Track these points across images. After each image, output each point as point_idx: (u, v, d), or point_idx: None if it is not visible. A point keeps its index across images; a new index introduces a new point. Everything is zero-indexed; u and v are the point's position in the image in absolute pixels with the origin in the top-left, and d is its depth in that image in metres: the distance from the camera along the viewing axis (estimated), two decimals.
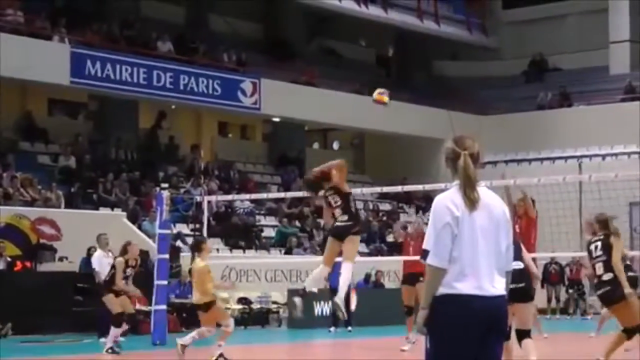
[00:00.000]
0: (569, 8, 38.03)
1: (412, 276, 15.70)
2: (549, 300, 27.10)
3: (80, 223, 20.62)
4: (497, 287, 4.97)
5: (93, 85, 25.39)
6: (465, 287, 4.89)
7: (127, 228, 21.70)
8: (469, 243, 4.93)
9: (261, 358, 16.51)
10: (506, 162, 31.20)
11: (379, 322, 21.22)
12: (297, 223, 27.73)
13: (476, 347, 4.90)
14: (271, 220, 27.85)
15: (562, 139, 31.99)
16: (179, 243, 22.73)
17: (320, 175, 11.22)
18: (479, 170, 5.05)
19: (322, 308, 22.46)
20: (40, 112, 28.01)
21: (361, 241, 12.83)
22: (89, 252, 18.72)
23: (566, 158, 31.39)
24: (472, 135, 5.22)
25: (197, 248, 13.22)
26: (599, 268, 11.03)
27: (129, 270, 14.94)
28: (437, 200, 5.02)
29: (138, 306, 17.29)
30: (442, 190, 5.16)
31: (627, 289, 10.90)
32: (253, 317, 22.63)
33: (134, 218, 23.17)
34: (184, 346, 12.82)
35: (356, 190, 15.09)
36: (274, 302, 23.44)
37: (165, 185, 18.73)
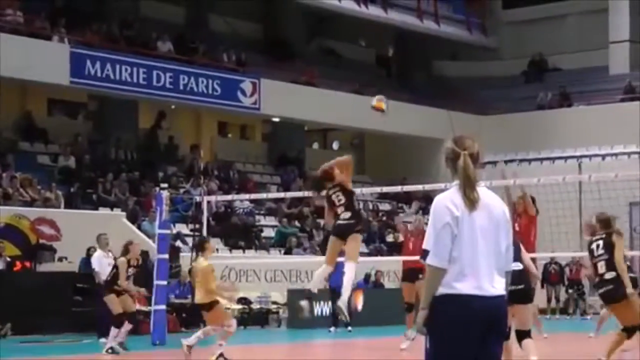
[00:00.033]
0: (568, 8, 38.03)
1: (412, 273, 15.69)
2: (549, 300, 27.10)
3: (79, 223, 20.62)
4: (497, 287, 4.96)
5: (93, 85, 25.39)
6: (465, 287, 4.88)
7: (126, 228, 21.69)
8: (469, 243, 4.92)
9: (261, 358, 16.50)
10: (506, 162, 31.18)
11: (378, 322, 21.22)
12: (297, 223, 27.73)
13: (476, 347, 4.89)
14: (271, 220, 27.84)
15: (562, 139, 31.99)
16: (178, 243, 22.73)
17: (328, 171, 11.24)
18: (478, 171, 5.04)
19: (322, 308, 22.46)
20: (40, 112, 28.00)
21: (361, 241, 12.81)
22: (89, 252, 18.71)
23: (566, 158, 31.39)
24: (472, 135, 5.21)
25: (200, 247, 13.22)
26: (601, 267, 11.00)
27: (130, 270, 14.95)
28: (437, 200, 5.01)
29: (138, 306, 17.27)
30: (442, 190, 5.15)
31: (630, 288, 10.89)
32: (253, 317, 22.63)
33: (133, 218, 23.16)
34: (189, 347, 12.84)
35: (356, 190, 15.07)
36: (274, 302, 23.44)
37: (165, 185, 18.66)
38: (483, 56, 38.78)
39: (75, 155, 25.22)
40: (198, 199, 18.78)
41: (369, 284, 24.36)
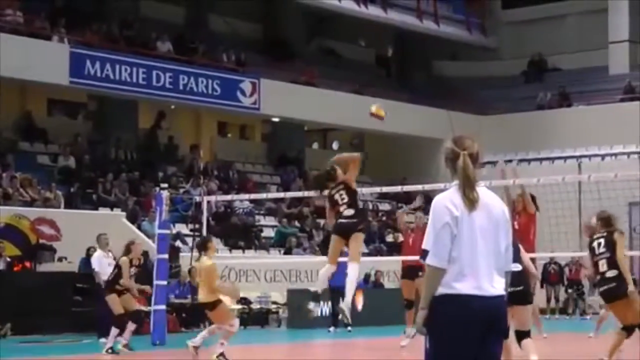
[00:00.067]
0: (568, 8, 38.04)
1: (411, 270, 15.69)
2: (548, 300, 27.10)
3: (79, 223, 20.62)
4: (497, 287, 4.97)
5: (92, 86, 25.40)
6: (464, 287, 4.89)
7: (126, 228, 21.69)
8: (468, 243, 4.93)
9: (261, 358, 16.51)
10: (506, 162, 31.17)
11: (378, 322, 21.21)
12: (297, 223, 27.73)
13: (476, 347, 4.90)
14: (270, 221, 27.85)
15: (562, 139, 31.99)
16: (178, 243, 22.73)
17: (331, 172, 11.26)
18: (478, 171, 5.05)
19: (321, 308, 22.46)
20: (40, 112, 28.00)
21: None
22: (89, 252, 18.72)
23: (565, 158, 31.40)
24: (472, 135, 5.22)
25: (203, 247, 13.22)
26: (602, 265, 10.99)
27: (132, 270, 14.95)
28: (437, 200, 5.02)
29: (137, 306, 17.27)
30: (442, 190, 5.16)
31: (631, 287, 10.89)
32: (252, 317, 22.63)
33: (133, 218, 23.17)
34: (196, 347, 12.85)
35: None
36: (274, 302, 23.44)
37: (165, 185, 18.71)
38: (483, 56, 38.78)
39: (75, 155, 25.22)
40: (198, 199, 18.78)
41: (369, 284, 24.38)
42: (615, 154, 30.51)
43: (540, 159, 31.88)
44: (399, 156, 33.92)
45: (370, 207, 31.24)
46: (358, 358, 16.35)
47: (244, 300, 22.67)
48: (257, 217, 27.56)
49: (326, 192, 11.40)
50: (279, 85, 29.24)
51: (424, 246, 4.97)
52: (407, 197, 32.12)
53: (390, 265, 24.58)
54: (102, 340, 15.83)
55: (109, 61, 25.24)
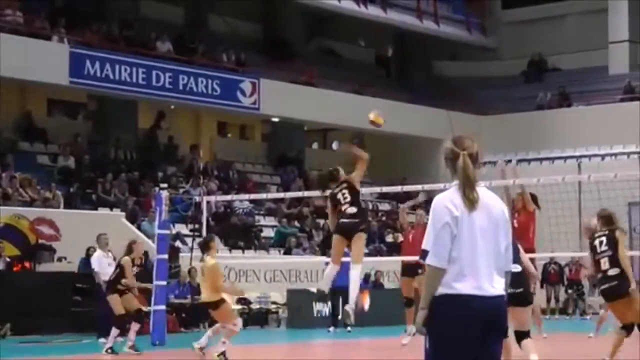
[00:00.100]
0: (568, 8, 38.05)
1: (411, 267, 15.69)
2: (548, 301, 27.09)
3: (79, 223, 20.61)
4: (497, 287, 4.97)
5: (92, 86, 25.39)
6: (464, 287, 4.88)
7: (126, 228, 21.69)
8: (468, 243, 4.92)
9: (261, 358, 16.50)
10: (505, 162, 31.16)
11: (378, 322, 21.21)
12: (297, 223, 27.73)
13: (476, 347, 4.89)
14: (270, 221, 27.84)
15: (562, 139, 31.98)
16: (178, 243, 22.73)
17: (333, 173, 11.30)
18: (478, 171, 5.04)
19: (321, 308, 22.47)
20: (40, 112, 27.98)
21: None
22: (88, 253, 18.72)
23: (565, 158, 31.39)
24: (471, 135, 5.22)
25: (205, 246, 13.23)
26: (604, 263, 10.97)
27: (134, 269, 14.96)
28: (436, 200, 5.02)
29: (139, 305, 17.25)
30: (442, 191, 5.16)
31: (633, 285, 10.88)
32: (252, 318, 22.62)
33: (133, 218, 23.16)
34: (202, 348, 12.85)
35: None
36: (273, 303, 23.44)
37: (165, 185, 18.67)
38: (483, 56, 38.78)
39: (74, 156, 25.22)
40: (197, 199, 18.77)
41: (369, 284, 24.36)
42: (615, 154, 30.50)
43: (540, 159, 31.87)
44: (399, 156, 33.91)
45: (370, 207, 31.21)
46: (358, 358, 16.35)
47: (243, 301, 22.67)
48: (257, 217, 27.55)
49: (328, 192, 11.41)
50: (279, 85, 29.24)
51: (423, 246, 4.96)
52: (407, 197, 32.06)
53: (390, 266, 24.57)
54: (102, 340, 15.82)
55: (108, 61, 25.24)
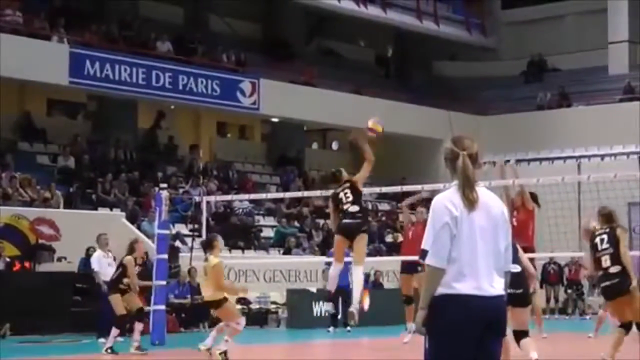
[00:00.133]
0: (568, 8, 38.06)
1: (410, 265, 15.70)
2: (548, 300, 27.09)
3: (79, 223, 20.61)
4: (496, 287, 4.97)
5: (92, 86, 25.39)
6: (464, 287, 4.89)
7: (126, 228, 21.68)
8: (468, 243, 4.93)
9: (261, 358, 16.50)
10: (505, 162, 31.14)
11: (378, 322, 21.21)
12: (296, 223, 27.72)
13: (475, 347, 4.90)
14: (270, 221, 27.84)
15: (561, 139, 31.98)
16: (177, 243, 22.73)
17: (335, 174, 11.32)
18: (477, 171, 5.05)
19: (321, 308, 22.47)
20: (39, 112, 27.99)
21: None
22: (88, 253, 18.72)
23: (565, 158, 31.39)
24: (471, 135, 5.23)
25: (209, 245, 13.23)
26: (605, 260, 10.95)
27: (136, 268, 14.97)
28: (436, 200, 5.02)
29: (140, 304, 17.27)
30: (442, 191, 5.16)
31: (634, 282, 10.88)
32: (252, 317, 22.60)
33: (133, 218, 23.16)
34: (208, 349, 12.86)
35: None
36: (273, 303, 23.44)
37: (164, 185, 18.65)
38: (482, 56, 38.78)
39: (74, 156, 25.22)
40: (197, 199, 18.77)
41: (369, 284, 24.37)
42: (615, 154, 30.50)
43: (540, 159, 31.85)
44: (398, 156, 33.87)
45: (370, 207, 31.21)
46: (358, 358, 16.35)
47: (243, 300, 22.67)
48: (256, 217, 27.55)
49: (329, 192, 11.43)
50: (279, 86, 29.24)
51: (423, 246, 4.97)
52: (407, 197, 32.14)
53: (389, 265, 24.56)
54: (102, 340, 15.82)
55: (108, 61, 25.24)
